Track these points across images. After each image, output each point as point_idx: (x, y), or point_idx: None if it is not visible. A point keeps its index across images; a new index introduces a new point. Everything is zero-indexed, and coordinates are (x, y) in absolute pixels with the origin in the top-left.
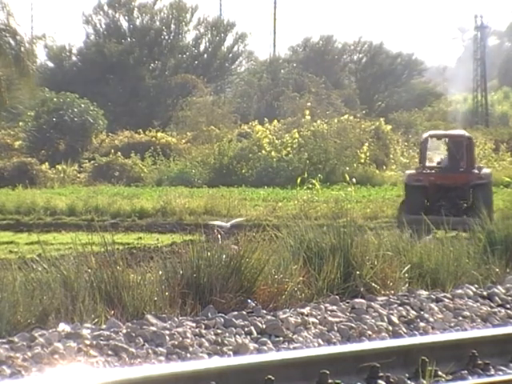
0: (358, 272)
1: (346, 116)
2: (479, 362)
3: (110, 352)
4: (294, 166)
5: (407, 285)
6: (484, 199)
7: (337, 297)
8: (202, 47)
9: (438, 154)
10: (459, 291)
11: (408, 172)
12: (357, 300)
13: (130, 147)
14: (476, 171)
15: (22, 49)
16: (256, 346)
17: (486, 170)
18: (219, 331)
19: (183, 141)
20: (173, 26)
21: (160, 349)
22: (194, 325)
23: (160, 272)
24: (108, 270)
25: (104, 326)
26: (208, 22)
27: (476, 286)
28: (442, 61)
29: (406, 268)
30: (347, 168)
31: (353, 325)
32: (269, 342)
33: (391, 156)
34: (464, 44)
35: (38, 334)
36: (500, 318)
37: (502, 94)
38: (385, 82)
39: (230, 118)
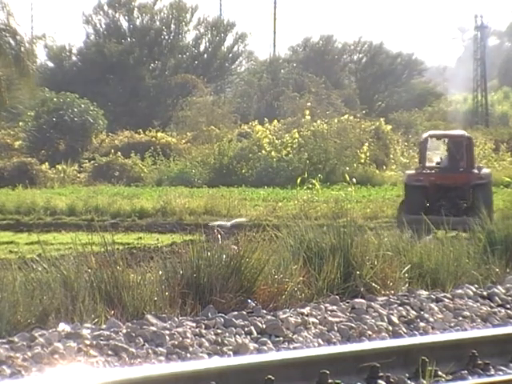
0: (358, 272)
1: (346, 116)
2: (479, 362)
3: (109, 352)
4: (294, 165)
5: (407, 285)
6: (484, 199)
7: (337, 297)
8: (202, 47)
9: (437, 154)
10: (459, 291)
11: (408, 172)
12: (357, 300)
13: (129, 147)
14: (476, 171)
15: (22, 49)
16: (256, 345)
17: (485, 170)
18: (219, 331)
19: (183, 141)
20: (173, 26)
21: (160, 349)
22: (194, 325)
23: (160, 272)
24: (108, 269)
25: (104, 326)
26: (208, 22)
27: (476, 285)
28: (441, 61)
29: (406, 268)
30: (347, 168)
31: (353, 325)
32: (269, 341)
33: (391, 156)
34: (464, 44)
35: (38, 333)
36: (500, 317)
37: (502, 93)
38: (385, 82)
39: (229, 118)
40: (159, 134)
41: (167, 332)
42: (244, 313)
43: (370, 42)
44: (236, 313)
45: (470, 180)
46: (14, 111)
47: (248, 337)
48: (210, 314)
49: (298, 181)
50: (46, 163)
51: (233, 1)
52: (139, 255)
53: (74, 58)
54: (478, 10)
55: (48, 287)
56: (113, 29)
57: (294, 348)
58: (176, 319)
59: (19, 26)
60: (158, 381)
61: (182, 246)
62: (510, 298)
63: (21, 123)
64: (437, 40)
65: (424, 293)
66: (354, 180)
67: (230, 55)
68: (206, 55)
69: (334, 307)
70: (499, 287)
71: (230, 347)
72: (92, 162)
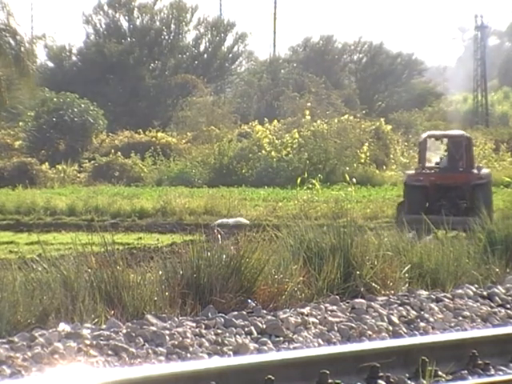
0: (358, 272)
1: (346, 116)
2: (479, 361)
3: (109, 352)
4: (294, 165)
5: (407, 285)
6: (484, 199)
7: (337, 297)
8: (202, 47)
9: (436, 155)
10: (459, 291)
11: (408, 172)
12: (357, 300)
13: (129, 147)
14: (475, 171)
15: (22, 49)
16: (256, 345)
17: (485, 170)
18: (219, 331)
19: (183, 141)
20: (173, 26)
21: (160, 349)
22: (194, 325)
23: (160, 272)
24: (108, 269)
25: (104, 326)
26: (208, 22)
27: (476, 285)
28: (442, 61)
29: (406, 268)
30: (347, 168)
31: (353, 325)
32: (269, 341)
33: (391, 156)
34: (464, 44)
35: (38, 333)
36: (500, 317)
37: (502, 93)
38: (385, 81)
39: (230, 118)
40: (159, 134)
41: (167, 332)
42: (244, 313)
43: (370, 42)
44: (236, 313)
45: (469, 180)
46: (14, 111)
47: (248, 337)
48: (210, 314)
49: (298, 181)
50: (46, 163)
51: (233, 1)
52: (139, 255)
53: (74, 57)
54: (478, 10)
55: (48, 287)
56: (113, 29)
57: (294, 348)
58: (176, 319)
59: (19, 26)
60: (158, 381)
61: (181, 246)
62: (510, 297)
63: (21, 123)
64: (437, 40)
65: (424, 293)
66: (354, 180)
67: (230, 55)
68: (205, 55)
69: (334, 307)
70: (499, 287)
71: (230, 347)
72: (92, 161)
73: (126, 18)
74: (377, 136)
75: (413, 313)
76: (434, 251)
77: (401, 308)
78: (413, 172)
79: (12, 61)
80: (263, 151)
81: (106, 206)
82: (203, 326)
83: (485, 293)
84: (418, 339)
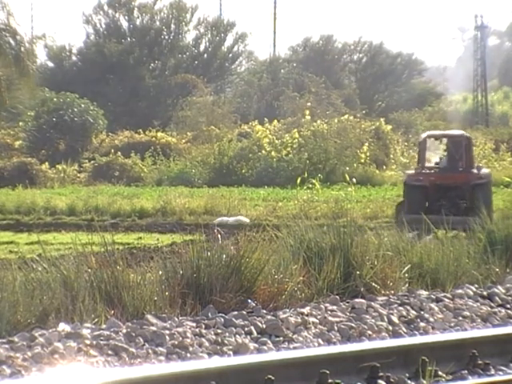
0: (358, 272)
1: (346, 116)
2: (479, 361)
3: (109, 352)
4: (294, 166)
5: (407, 285)
6: (484, 199)
7: (337, 297)
8: (202, 47)
9: (436, 154)
10: (459, 291)
11: (408, 172)
12: (357, 300)
13: (129, 147)
14: (475, 171)
15: (22, 49)
16: (256, 345)
17: (485, 170)
18: (219, 331)
19: (183, 141)
20: (173, 26)
21: (160, 349)
22: (194, 325)
23: (160, 272)
24: (108, 269)
25: (104, 326)
26: (208, 22)
27: (476, 285)
28: (442, 61)
29: (406, 268)
30: (347, 168)
31: (353, 325)
32: (269, 341)
33: (391, 156)
34: (464, 44)
35: (38, 333)
36: (500, 317)
37: (502, 94)
38: (385, 81)
39: (230, 118)
40: (159, 134)
41: (167, 332)
42: (244, 313)
43: (370, 42)
44: (236, 313)
45: (469, 180)
46: (14, 111)
47: (248, 337)
48: (210, 314)
49: (298, 181)
50: (46, 163)
51: (233, 1)
52: (139, 255)
53: (74, 57)
54: (478, 10)
55: (48, 287)
56: (113, 29)
57: (294, 348)
58: (176, 319)
59: (19, 26)
60: (158, 381)
61: (181, 245)
62: (510, 297)
63: (21, 123)
64: (437, 40)
65: (424, 293)
66: (354, 180)
67: (230, 55)
68: (206, 55)
69: (334, 307)
70: (499, 287)
71: (230, 347)
72: (92, 161)
73: (126, 17)
74: (377, 136)
75: (413, 313)
76: (434, 251)
77: (401, 308)
78: (413, 172)
79: (12, 61)
80: (263, 151)
81: (106, 205)
82: (203, 326)
83: (485, 293)
84: (418, 339)
